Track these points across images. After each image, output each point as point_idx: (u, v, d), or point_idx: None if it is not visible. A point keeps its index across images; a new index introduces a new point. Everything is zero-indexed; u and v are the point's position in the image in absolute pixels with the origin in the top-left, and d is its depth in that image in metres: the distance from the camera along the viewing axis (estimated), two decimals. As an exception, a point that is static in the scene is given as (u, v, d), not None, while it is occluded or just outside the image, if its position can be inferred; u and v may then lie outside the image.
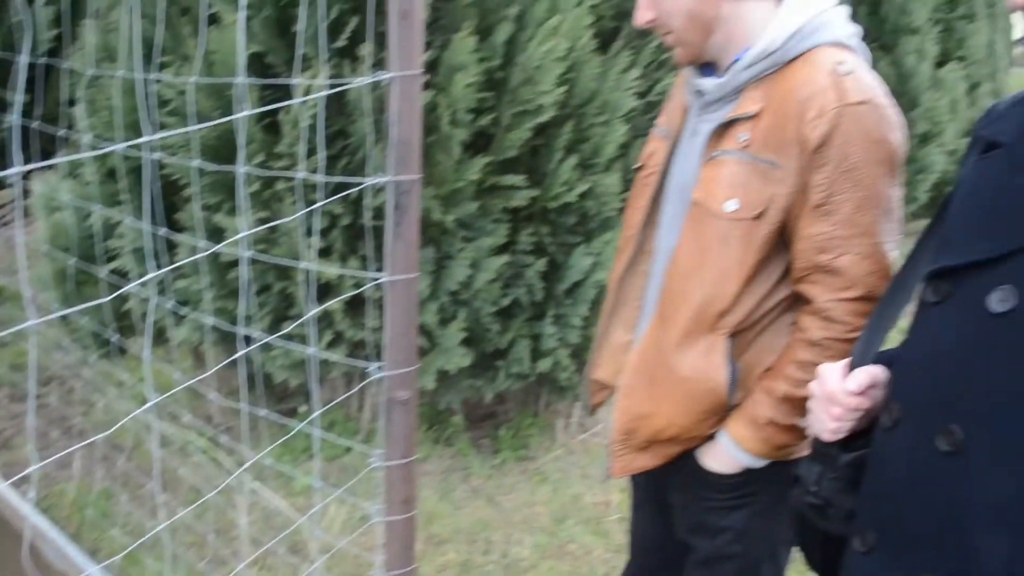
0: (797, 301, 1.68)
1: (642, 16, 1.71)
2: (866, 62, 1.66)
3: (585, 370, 1.99)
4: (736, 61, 1.66)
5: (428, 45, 3.11)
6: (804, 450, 1.79)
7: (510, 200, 3.36)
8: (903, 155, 1.64)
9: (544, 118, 3.28)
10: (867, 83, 1.59)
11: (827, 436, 1.33)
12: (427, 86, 3.08)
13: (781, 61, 1.62)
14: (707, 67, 1.75)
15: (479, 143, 3.31)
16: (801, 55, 1.61)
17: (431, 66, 3.10)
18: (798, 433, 1.70)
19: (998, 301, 1.09)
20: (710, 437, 1.77)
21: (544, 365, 3.61)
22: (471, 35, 3.08)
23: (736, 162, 1.63)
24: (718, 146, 1.66)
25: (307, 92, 2.99)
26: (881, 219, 1.60)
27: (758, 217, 1.61)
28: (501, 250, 3.43)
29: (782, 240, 1.65)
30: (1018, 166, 1.14)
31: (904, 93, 6.62)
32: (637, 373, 1.79)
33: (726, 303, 1.66)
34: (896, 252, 1.63)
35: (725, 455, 1.75)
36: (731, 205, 1.63)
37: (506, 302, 3.49)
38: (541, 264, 3.50)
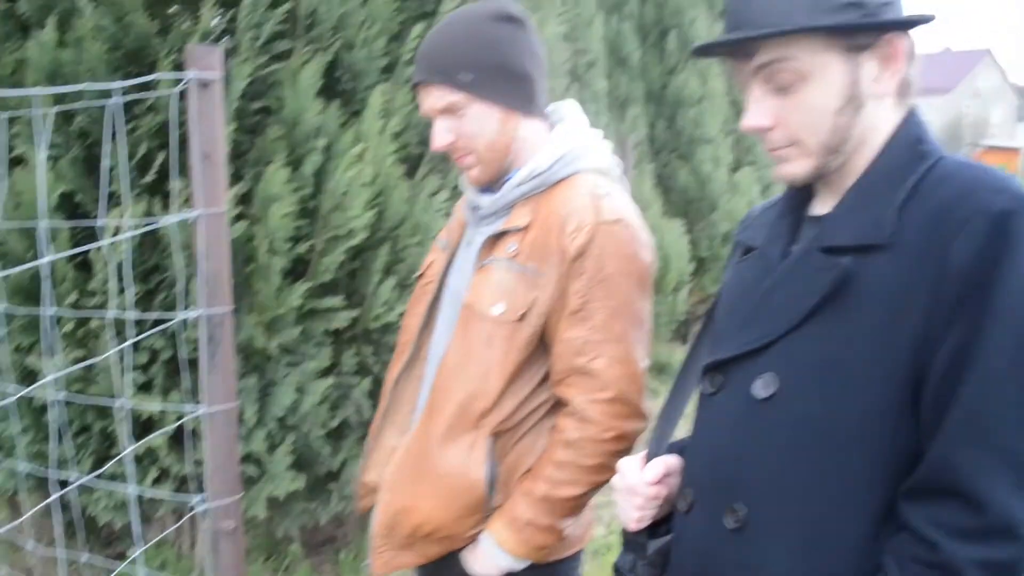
0: (557, 406, 1.79)
1: (441, 139, 1.79)
2: (624, 189, 1.86)
3: (357, 473, 2.00)
4: (508, 180, 1.82)
5: (239, 178, 3.16)
6: (564, 551, 1.86)
7: (331, 323, 3.41)
8: (653, 272, 1.82)
9: (356, 241, 3.37)
10: (621, 205, 1.78)
11: (633, 526, 1.43)
12: (242, 217, 3.12)
13: (548, 182, 1.79)
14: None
15: (298, 269, 3.37)
16: (566, 178, 1.79)
17: (245, 198, 3.14)
18: (557, 534, 1.78)
19: (761, 387, 1.23)
20: (474, 540, 1.81)
21: (378, 483, 3.60)
22: (284, 167, 3.15)
23: (504, 269, 1.76)
24: (489, 254, 1.80)
25: (115, 231, 2.97)
26: (632, 328, 1.76)
27: (520, 319, 1.74)
28: (326, 373, 3.46)
29: (543, 346, 1.78)
30: (768, 267, 1.30)
31: (704, 197, 7.10)
32: (401, 468, 1.83)
33: (489, 401, 1.75)
34: (646, 361, 1.79)
35: (486, 557, 1.79)
36: (498, 308, 1.75)
37: (335, 423, 3.49)
38: (367, 383, 3.54)
